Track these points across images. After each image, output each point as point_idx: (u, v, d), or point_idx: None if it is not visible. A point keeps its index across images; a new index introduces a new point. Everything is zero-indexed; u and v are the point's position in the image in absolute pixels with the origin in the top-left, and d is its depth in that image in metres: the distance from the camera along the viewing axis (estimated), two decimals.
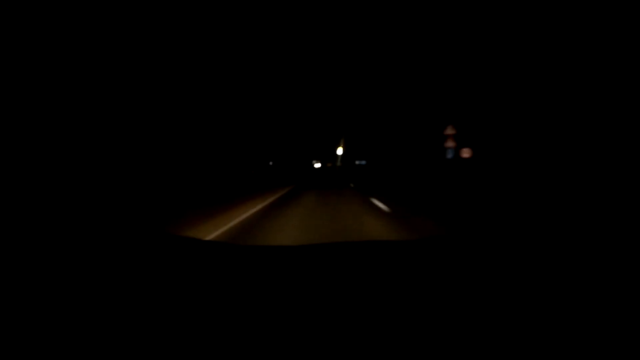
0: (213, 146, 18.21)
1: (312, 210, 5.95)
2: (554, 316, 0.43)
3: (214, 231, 4.02)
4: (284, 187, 11.35)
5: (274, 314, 0.45)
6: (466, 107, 12.87)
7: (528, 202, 5.55)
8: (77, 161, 7.67)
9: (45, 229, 0.79)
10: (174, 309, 0.47)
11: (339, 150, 43.18)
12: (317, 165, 45.75)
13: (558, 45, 8.09)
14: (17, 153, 6.34)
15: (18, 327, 0.43)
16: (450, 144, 11.06)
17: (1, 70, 6.45)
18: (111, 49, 9.27)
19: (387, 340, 0.39)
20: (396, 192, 8.55)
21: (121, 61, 9.77)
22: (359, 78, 41.04)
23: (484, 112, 11.73)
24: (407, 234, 3.58)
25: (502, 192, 7.10)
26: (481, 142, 11.17)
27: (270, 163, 41.38)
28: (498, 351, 0.37)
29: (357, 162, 39.83)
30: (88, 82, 8.32)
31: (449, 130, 11.06)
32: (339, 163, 45.25)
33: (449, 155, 10.91)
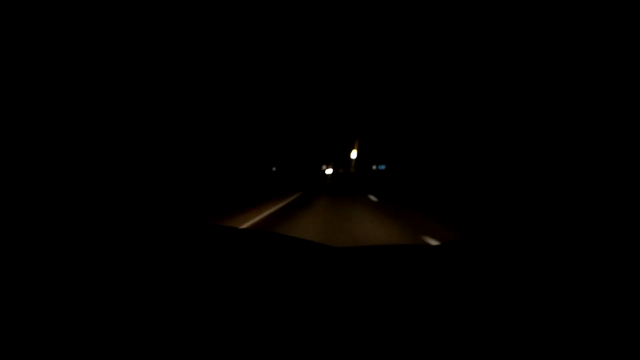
0: (204, 149, 16.38)
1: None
2: (562, 321, 0.43)
3: None
4: (287, 196, 9.63)
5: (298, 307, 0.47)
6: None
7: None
8: (74, 164, 7.52)
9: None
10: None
11: (353, 154, 37.89)
12: (329, 170, 40.47)
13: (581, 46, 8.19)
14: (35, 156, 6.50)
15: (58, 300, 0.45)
16: None
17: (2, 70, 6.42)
18: (119, 52, 9.29)
19: (399, 345, 0.40)
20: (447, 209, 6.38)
21: (123, 64, 9.68)
22: (374, 70, 36.20)
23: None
24: None
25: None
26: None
27: (274, 169, 36.36)
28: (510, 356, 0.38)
29: (374, 167, 34.46)
30: (83, 89, 8.28)
31: None
32: (352, 168, 39.82)
33: None
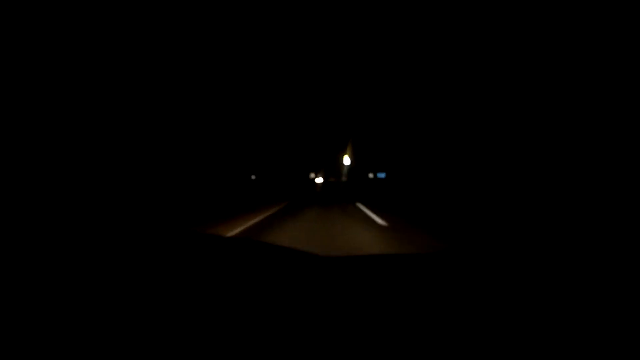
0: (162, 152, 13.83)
1: None
2: (558, 327, 0.44)
3: None
4: (265, 209, 7.84)
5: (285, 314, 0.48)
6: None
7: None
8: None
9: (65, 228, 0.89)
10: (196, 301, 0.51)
11: (345, 160, 33.25)
12: (319, 180, 35.64)
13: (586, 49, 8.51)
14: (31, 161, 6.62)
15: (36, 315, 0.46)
16: None
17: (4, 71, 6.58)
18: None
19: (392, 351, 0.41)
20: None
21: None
22: (368, 63, 32.23)
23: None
24: None
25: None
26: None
27: (253, 177, 31.17)
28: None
29: (371, 175, 29.94)
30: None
31: None
32: (344, 177, 35.11)
33: None
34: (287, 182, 31.32)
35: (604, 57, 7.58)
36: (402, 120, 26.81)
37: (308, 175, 35.33)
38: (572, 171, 8.03)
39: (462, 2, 13.40)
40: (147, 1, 10.98)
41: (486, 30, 11.95)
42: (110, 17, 9.22)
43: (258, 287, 0.57)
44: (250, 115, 31.99)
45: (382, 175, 27.50)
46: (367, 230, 4.56)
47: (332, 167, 37.70)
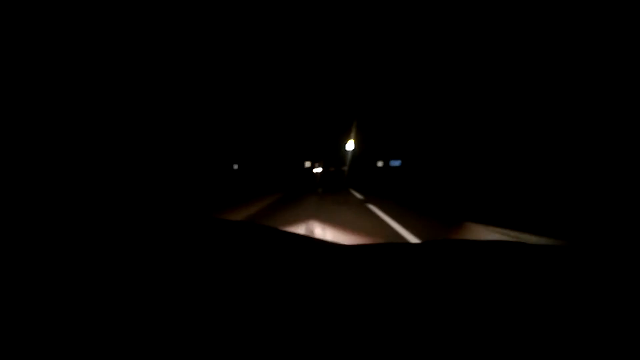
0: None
1: None
2: (555, 322, 0.45)
3: None
4: (247, 205, 6.49)
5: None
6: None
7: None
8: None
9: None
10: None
11: (349, 145, 27.11)
12: (317, 169, 29.93)
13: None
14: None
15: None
16: None
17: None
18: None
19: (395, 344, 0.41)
20: None
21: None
22: (375, 34, 25.88)
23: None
24: None
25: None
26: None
27: (235, 167, 25.43)
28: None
29: (380, 164, 23.95)
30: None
31: None
32: (346, 166, 29.02)
33: None
34: (277, 172, 25.41)
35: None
36: (423, 94, 20.65)
37: (302, 164, 29.27)
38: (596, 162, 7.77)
39: None
40: None
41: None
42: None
43: (267, 275, 0.57)
44: (229, 92, 25.81)
45: (396, 163, 21.58)
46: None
47: (331, 154, 31.81)
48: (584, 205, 4.66)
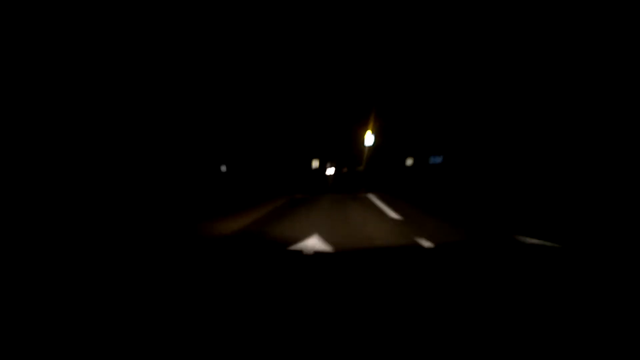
0: None
1: None
2: (557, 324, 0.45)
3: None
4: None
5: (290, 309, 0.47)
6: None
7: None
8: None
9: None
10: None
11: (367, 139, 21.35)
12: (330, 170, 25.43)
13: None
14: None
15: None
16: None
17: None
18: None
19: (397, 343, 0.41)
20: None
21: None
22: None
23: None
24: None
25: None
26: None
27: (223, 168, 20.26)
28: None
29: (409, 162, 18.32)
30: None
31: None
32: (362, 166, 23.37)
33: None
34: (278, 174, 20.04)
35: None
36: (468, 73, 15.24)
37: (309, 163, 23.69)
38: None
39: None
40: None
41: None
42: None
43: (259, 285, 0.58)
44: (215, 77, 20.57)
45: (437, 159, 15.90)
46: None
47: (343, 152, 26.21)
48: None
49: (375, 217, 4.44)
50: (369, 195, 8.02)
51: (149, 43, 14.36)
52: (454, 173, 14.22)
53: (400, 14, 21.81)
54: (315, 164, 23.25)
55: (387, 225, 3.73)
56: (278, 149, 23.76)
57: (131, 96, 13.03)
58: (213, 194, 9.71)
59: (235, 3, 22.30)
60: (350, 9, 26.00)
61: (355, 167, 31.07)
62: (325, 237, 3.23)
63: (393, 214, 4.65)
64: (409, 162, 18.88)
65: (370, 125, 20.59)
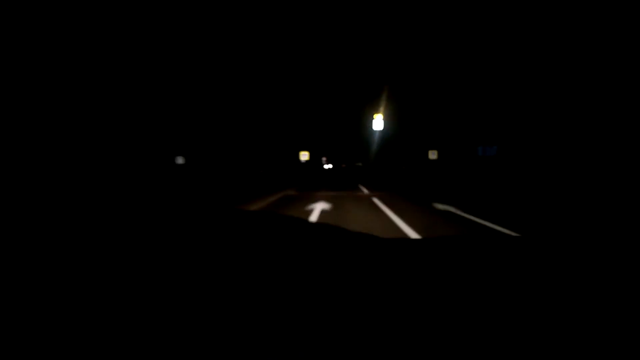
0: None
1: None
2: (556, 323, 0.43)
3: None
4: None
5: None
6: None
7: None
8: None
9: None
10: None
11: (377, 122, 16.05)
12: (327, 165, 23.49)
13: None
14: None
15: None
16: None
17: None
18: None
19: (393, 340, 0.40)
20: None
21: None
22: None
23: None
24: None
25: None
26: None
27: (180, 160, 14.28)
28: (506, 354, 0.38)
29: (433, 156, 13.32)
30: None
31: None
32: (372, 156, 18.16)
33: None
34: (255, 170, 14.86)
35: None
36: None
37: (296, 157, 18.33)
38: None
39: None
40: None
41: None
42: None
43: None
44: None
45: (491, 150, 10.79)
46: None
47: (342, 145, 21.35)
48: None
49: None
50: (381, 199, 6.14)
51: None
52: (522, 168, 9.27)
53: None
54: (304, 156, 17.89)
55: None
56: (260, 140, 18.49)
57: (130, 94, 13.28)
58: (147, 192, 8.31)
59: None
60: None
61: (354, 162, 26.24)
62: None
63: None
64: (433, 155, 13.88)
65: (382, 106, 15.50)
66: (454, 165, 12.76)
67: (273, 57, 20.02)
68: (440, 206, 5.03)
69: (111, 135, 12.81)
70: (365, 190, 8.13)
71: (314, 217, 4.28)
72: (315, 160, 21.87)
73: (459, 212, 4.42)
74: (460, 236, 0.81)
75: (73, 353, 0.35)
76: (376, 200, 5.90)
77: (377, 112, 15.54)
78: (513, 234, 3.33)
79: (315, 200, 6.05)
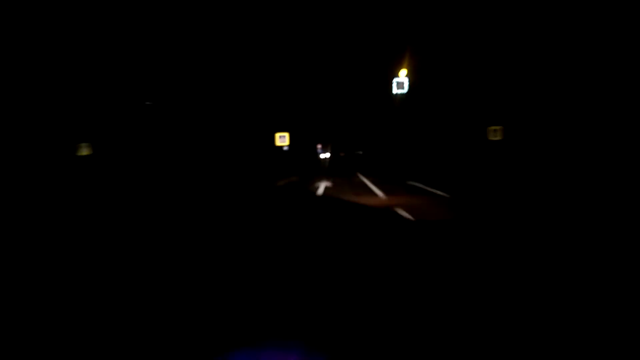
0: None
1: None
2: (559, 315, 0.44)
3: None
4: None
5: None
6: None
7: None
8: None
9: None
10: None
11: (399, 84, 10.44)
12: (324, 155, 21.46)
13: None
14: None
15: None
16: None
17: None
18: None
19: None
20: None
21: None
22: None
23: None
24: None
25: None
26: None
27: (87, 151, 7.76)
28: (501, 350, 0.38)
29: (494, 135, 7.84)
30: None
31: None
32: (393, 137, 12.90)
33: None
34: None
35: None
36: None
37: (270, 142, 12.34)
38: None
39: None
40: None
41: None
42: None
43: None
44: None
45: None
46: None
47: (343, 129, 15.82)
48: None
49: None
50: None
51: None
52: None
53: None
54: (280, 139, 11.88)
55: None
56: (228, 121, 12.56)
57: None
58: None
59: None
60: None
61: (354, 151, 21.17)
62: None
63: None
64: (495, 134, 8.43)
65: (405, 63, 9.98)
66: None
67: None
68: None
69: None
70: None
71: None
72: (304, 148, 16.54)
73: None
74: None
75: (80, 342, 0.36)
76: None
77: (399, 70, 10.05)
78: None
79: None
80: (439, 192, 6.38)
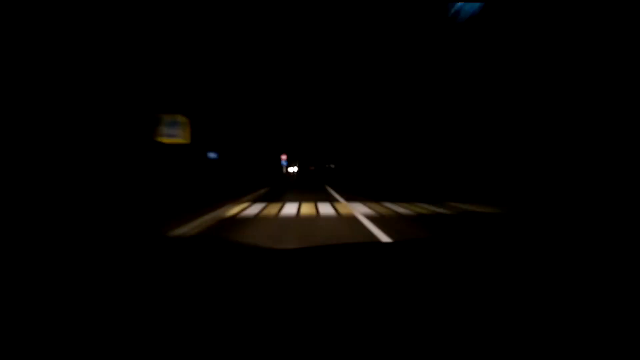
0: None
1: None
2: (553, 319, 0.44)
3: None
4: None
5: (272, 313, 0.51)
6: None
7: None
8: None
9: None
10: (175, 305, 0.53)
11: None
12: (292, 168, 20.38)
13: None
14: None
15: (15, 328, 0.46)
16: None
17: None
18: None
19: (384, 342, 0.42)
20: None
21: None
22: None
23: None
24: None
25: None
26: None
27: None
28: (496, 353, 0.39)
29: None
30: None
31: None
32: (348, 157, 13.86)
33: None
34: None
35: None
36: None
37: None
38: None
39: None
40: None
41: None
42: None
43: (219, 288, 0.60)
44: None
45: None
46: None
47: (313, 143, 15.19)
48: None
49: None
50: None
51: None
52: None
53: None
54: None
55: None
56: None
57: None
58: None
59: None
60: None
61: (325, 165, 20.69)
62: None
63: None
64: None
65: None
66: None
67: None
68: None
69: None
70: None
71: None
72: (259, 157, 15.93)
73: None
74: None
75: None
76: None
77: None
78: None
79: None
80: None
